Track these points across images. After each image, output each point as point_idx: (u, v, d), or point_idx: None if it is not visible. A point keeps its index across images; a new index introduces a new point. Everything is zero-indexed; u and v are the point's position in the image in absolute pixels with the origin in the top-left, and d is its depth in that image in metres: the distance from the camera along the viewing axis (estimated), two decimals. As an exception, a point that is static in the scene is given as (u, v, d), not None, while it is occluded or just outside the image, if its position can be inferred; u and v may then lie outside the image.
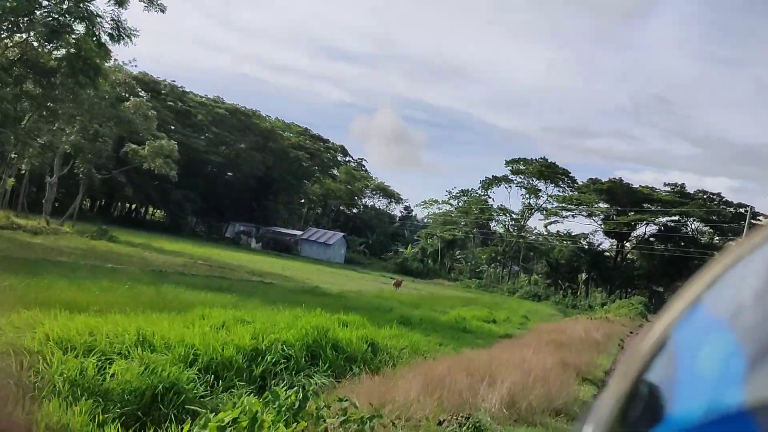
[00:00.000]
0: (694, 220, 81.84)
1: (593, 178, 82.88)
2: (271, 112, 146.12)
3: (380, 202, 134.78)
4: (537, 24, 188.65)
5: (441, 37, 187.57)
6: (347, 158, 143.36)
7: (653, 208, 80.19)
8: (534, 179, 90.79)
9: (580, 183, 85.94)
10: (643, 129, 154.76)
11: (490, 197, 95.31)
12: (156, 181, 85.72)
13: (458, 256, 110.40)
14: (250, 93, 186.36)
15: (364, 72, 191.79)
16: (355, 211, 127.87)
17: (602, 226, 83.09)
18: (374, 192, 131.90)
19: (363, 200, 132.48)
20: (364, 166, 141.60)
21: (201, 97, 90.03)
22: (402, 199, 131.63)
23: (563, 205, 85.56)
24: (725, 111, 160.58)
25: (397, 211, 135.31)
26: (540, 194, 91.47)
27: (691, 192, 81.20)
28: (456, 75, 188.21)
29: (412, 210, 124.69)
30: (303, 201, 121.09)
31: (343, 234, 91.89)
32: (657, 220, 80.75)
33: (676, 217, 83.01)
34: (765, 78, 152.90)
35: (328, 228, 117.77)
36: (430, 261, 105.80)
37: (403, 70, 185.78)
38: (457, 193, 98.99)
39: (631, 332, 35.07)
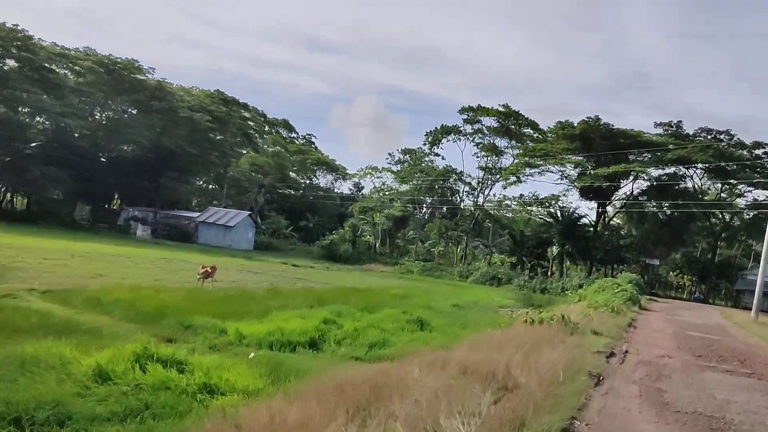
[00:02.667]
0: (695, 169, 62.48)
1: (562, 121, 63.24)
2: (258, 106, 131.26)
3: (326, 180, 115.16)
4: (513, 6, 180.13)
5: (417, 23, 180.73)
6: (292, 134, 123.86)
7: (641, 158, 60.76)
8: (494, 136, 71.26)
9: (546, 129, 66.38)
10: (623, 105, 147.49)
11: (439, 156, 75.49)
12: (7, 156, 65.69)
13: (411, 236, 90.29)
14: (227, 88, 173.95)
15: (343, 62, 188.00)
16: (292, 191, 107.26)
17: (576, 183, 63.52)
18: (316, 167, 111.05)
19: (304, 177, 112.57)
20: (313, 142, 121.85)
21: (59, 47, 69.14)
22: (349, 175, 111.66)
23: (526, 159, 65.76)
24: (703, 86, 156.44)
25: (345, 188, 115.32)
26: (502, 154, 72.01)
27: (691, 132, 61.80)
28: (434, 60, 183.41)
29: (363, 186, 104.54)
30: (222, 177, 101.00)
31: (248, 213, 72.13)
32: (647, 172, 61.16)
33: (672, 169, 63.78)
34: (741, 53, 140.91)
35: (260, 211, 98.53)
36: (369, 242, 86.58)
37: (382, 58, 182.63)
38: (400, 155, 79.00)
39: (611, 352, 15.50)
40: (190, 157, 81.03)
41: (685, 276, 75.21)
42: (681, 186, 64.01)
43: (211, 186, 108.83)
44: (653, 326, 27.51)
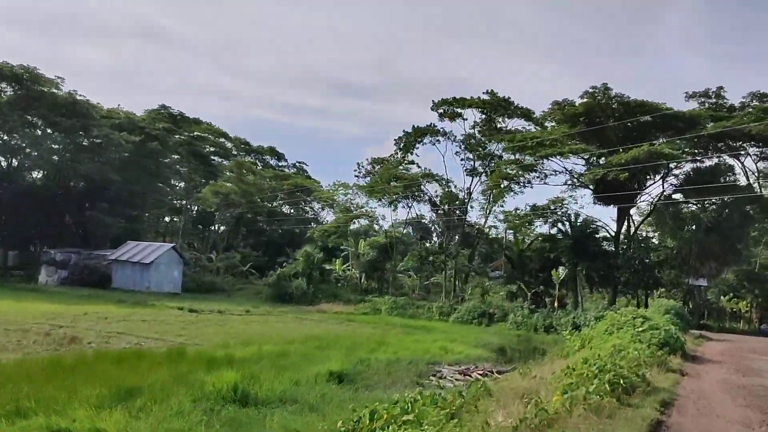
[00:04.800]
0: (747, 150, 45.71)
1: (558, 100, 47.10)
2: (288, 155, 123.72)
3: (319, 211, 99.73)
4: (538, 36, 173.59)
5: (443, 59, 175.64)
6: (281, 162, 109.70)
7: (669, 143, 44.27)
8: (477, 133, 55.55)
9: (539, 115, 50.31)
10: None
11: (414, 164, 59.74)
12: None
13: (402, 267, 73.87)
14: (263, 136, 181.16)
15: (374, 104, 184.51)
16: (264, 223, 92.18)
17: (584, 179, 47.07)
18: (300, 194, 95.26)
19: (290, 209, 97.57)
20: (305, 170, 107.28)
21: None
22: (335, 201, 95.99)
23: (518, 157, 49.59)
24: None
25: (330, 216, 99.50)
26: (488, 155, 56.03)
27: (736, 104, 45.15)
28: (460, 94, 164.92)
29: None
30: (182, 211, 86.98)
31: (171, 246, 56.84)
32: (680, 157, 44.41)
33: (714, 159, 47.17)
34: None
35: (226, 247, 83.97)
36: (353, 276, 71.30)
37: (410, 96, 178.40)
38: (367, 166, 63.41)
39: None
40: (121, 185, 66.79)
41: (742, 300, 57.27)
42: (729, 179, 47.06)
43: (173, 219, 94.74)
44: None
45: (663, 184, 49.44)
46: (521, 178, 50.76)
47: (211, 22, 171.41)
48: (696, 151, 46.60)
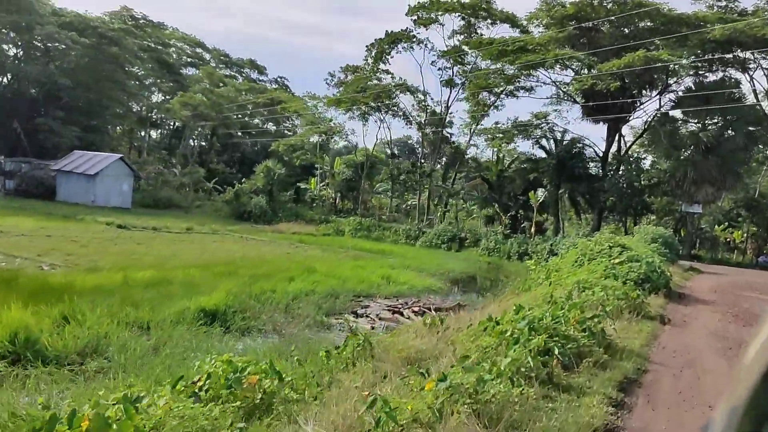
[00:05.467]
0: (756, 62, 40.31)
1: (547, 1, 41.10)
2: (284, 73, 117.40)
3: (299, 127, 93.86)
4: None
5: None
6: (261, 76, 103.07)
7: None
8: (457, 42, 49.59)
9: (524, 17, 44.43)
10: None
11: (390, 74, 53.98)
12: None
13: (382, 189, 69.20)
14: (259, 54, 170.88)
15: (372, 24, 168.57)
16: (236, 136, 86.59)
17: (572, 89, 41.74)
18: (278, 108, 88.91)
19: (263, 122, 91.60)
20: (287, 86, 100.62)
21: None
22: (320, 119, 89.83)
23: (499, 66, 43.98)
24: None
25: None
26: (467, 64, 50.27)
27: (749, 7, 39.36)
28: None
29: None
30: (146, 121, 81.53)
31: (119, 156, 51.69)
32: (681, 66, 39.00)
33: (719, 72, 41.94)
34: None
35: (202, 162, 79.06)
36: (328, 197, 66.91)
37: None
38: (340, 75, 57.57)
39: None
40: (76, 92, 61.02)
41: (737, 230, 53.04)
42: (734, 94, 41.78)
43: (147, 133, 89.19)
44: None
45: (660, 100, 44.22)
46: (502, 90, 45.27)
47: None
48: (699, 62, 41.12)
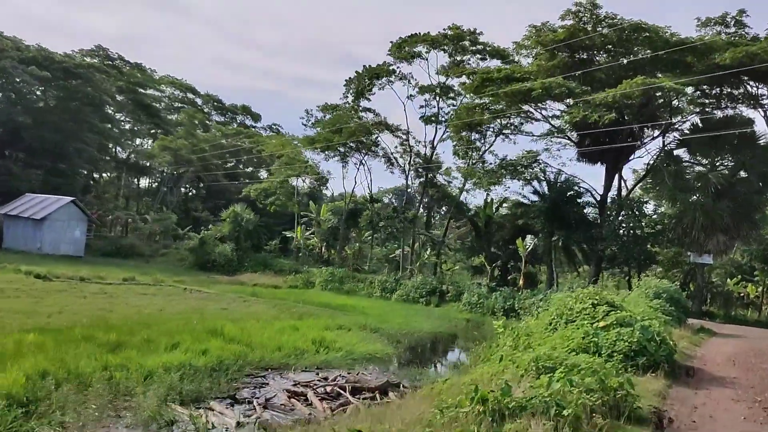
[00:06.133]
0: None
1: (536, 25, 37.14)
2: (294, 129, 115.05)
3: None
4: None
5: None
6: (257, 123, 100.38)
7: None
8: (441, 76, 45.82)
9: (511, 49, 40.41)
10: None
11: (371, 112, 49.95)
12: None
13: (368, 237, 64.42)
14: (270, 108, 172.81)
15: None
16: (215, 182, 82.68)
17: (563, 122, 37.40)
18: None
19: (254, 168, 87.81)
20: (280, 131, 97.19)
21: None
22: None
23: (484, 101, 39.81)
24: None
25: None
26: (454, 99, 46.31)
27: (761, 34, 35.15)
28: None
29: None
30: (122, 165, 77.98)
31: (71, 199, 47.39)
32: (684, 110, 34.58)
33: (728, 109, 37.77)
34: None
35: (186, 209, 75.30)
36: (314, 245, 62.72)
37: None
38: (318, 114, 53.59)
39: None
40: (40, 133, 57.29)
41: (750, 284, 47.53)
42: (746, 132, 37.24)
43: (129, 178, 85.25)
44: None
45: (663, 138, 39.76)
46: (488, 127, 40.93)
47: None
48: (707, 93, 36.81)
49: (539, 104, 38.22)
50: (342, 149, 49.37)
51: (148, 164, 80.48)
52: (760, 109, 38.34)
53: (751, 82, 35.86)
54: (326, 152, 49.50)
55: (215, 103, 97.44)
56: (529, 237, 38.58)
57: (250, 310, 27.45)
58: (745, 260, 48.87)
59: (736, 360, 18.67)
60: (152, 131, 78.86)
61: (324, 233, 61.86)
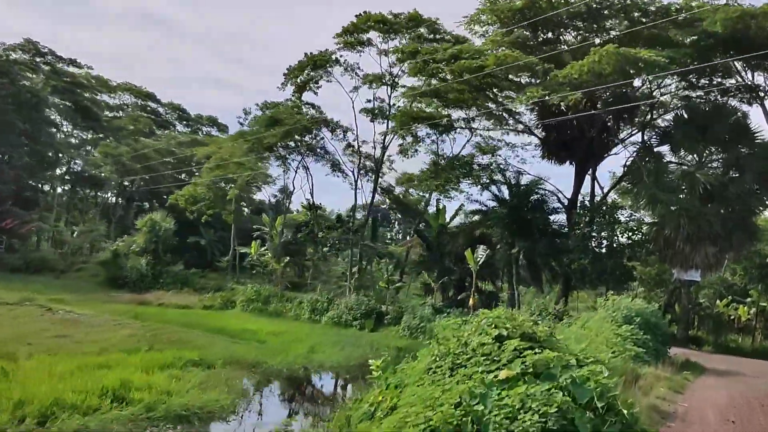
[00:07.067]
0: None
1: (492, -4, 31.13)
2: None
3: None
4: None
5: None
6: (224, 134, 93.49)
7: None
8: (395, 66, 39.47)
9: (465, 19, 34.21)
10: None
11: (315, 107, 43.76)
12: None
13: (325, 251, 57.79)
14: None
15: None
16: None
17: (519, 104, 31.29)
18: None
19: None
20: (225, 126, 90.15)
21: None
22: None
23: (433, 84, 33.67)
24: None
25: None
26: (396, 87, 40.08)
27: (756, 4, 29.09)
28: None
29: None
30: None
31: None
32: (665, 67, 28.34)
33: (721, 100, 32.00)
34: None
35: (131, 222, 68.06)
36: (267, 262, 55.66)
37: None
38: (257, 112, 47.42)
39: None
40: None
41: (742, 306, 41.19)
42: (741, 123, 31.35)
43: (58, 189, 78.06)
44: None
45: (642, 133, 33.80)
46: (434, 119, 34.63)
47: (213, 15, 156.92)
48: (693, 84, 30.98)
49: (496, 91, 32.14)
50: (283, 151, 43.16)
51: (102, 175, 73.58)
52: (756, 102, 32.38)
53: (747, 71, 29.99)
54: (257, 152, 43.08)
55: (179, 113, 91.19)
56: (481, 248, 32.23)
57: (103, 337, 21.13)
58: (738, 278, 42.81)
59: (735, 418, 12.39)
60: (95, 138, 72.25)
61: (277, 248, 55.35)
